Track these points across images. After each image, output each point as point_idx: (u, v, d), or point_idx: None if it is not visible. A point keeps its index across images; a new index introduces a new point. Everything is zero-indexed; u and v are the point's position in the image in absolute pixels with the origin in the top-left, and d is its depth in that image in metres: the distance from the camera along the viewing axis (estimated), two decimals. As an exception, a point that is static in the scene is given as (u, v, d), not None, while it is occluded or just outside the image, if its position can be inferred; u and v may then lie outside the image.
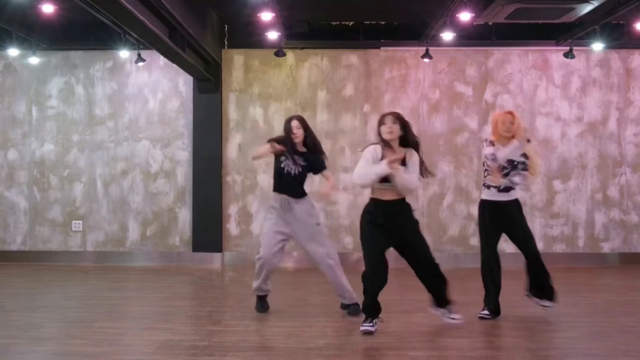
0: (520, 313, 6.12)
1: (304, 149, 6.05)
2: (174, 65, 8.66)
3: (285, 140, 5.98)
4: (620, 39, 8.78)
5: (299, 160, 5.98)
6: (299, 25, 9.07)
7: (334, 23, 9.39)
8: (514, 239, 5.98)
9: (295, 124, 5.98)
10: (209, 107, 9.48)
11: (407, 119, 5.45)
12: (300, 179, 6.02)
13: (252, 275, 6.09)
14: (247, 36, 9.06)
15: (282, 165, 5.98)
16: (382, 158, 5.24)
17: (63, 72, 9.67)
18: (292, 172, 5.96)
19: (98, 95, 9.64)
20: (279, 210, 5.99)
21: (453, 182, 9.48)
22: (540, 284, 5.97)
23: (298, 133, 5.97)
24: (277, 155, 6.02)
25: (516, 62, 9.56)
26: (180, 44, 7.57)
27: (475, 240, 9.34)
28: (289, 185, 5.99)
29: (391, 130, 5.27)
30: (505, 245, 9.29)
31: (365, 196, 9.37)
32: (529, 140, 5.87)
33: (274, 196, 6.07)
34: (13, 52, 9.00)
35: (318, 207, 6.15)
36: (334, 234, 9.46)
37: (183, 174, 9.55)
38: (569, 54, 8.98)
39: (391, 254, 5.22)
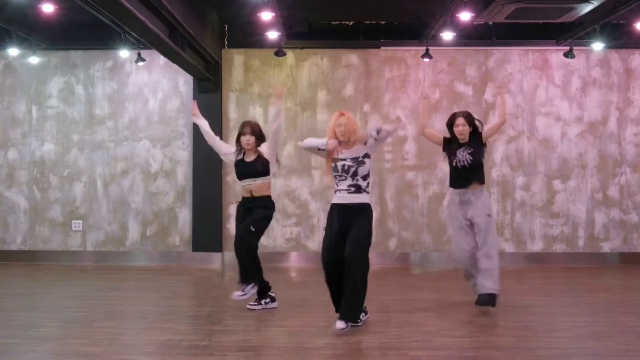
0: (520, 313, 6.12)
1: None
2: (174, 65, 8.66)
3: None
4: (620, 38, 8.79)
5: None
6: (299, 25, 9.07)
7: (334, 23, 9.39)
8: None
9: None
10: (209, 107, 9.44)
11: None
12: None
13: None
14: (247, 36, 9.06)
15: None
16: None
17: (63, 72, 9.67)
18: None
19: (98, 95, 9.64)
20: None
21: (453, 182, 9.46)
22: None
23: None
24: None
25: (516, 62, 9.56)
26: (180, 44, 7.57)
27: (475, 240, 9.34)
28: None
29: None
30: (505, 245, 9.39)
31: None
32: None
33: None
34: (13, 52, 9.01)
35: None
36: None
37: (183, 174, 9.55)
38: (569, 54, 8.98)
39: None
